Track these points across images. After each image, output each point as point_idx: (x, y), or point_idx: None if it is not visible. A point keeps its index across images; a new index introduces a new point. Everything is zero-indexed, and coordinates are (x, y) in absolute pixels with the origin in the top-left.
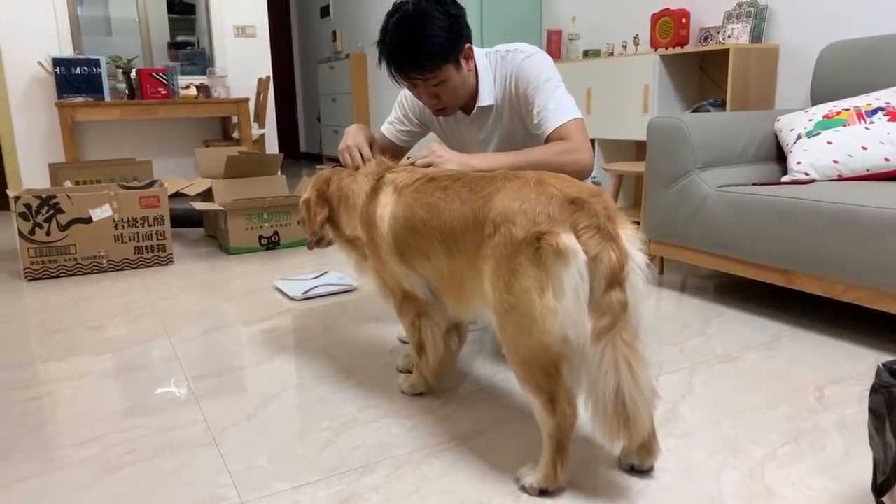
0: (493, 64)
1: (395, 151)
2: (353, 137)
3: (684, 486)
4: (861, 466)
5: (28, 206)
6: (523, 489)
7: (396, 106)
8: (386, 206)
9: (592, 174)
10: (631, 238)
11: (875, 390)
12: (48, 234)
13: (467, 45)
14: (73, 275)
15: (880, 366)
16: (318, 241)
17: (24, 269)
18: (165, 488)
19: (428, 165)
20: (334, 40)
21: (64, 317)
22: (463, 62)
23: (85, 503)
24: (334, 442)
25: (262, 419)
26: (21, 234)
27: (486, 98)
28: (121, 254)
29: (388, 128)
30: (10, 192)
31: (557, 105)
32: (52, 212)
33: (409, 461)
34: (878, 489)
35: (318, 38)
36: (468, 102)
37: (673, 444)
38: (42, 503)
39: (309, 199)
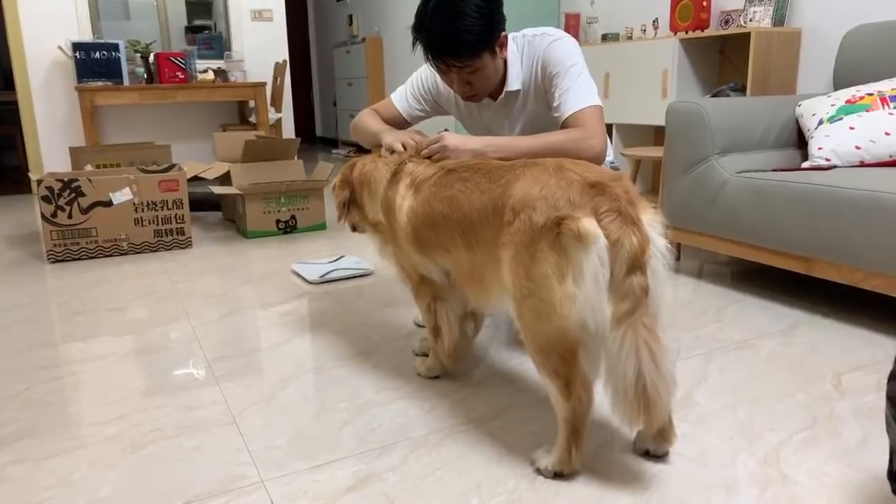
0: (519, 48)
1: (400, 124)
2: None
3: (699, 470)
4: (877, 454)
5: (50, 189)
6: (538, 472)
7: (411, 84)
8: (405, 198)
9: (611, 159)
10: (652, 223)
11: (893, 377)
12: (70, 216)
13: (502, 32)
14: (94, 257)
15: None
16: (347, 221)
17: (47, 251)
18: (188, 466)
19: (442, 158)
20: (350, 24)
21: (86, 298)
22: (498, 50)
23: (112, 479)
24: (352, 423)
25: (280, 400)
26: (43, 216)
27: (513, 83)
28: (141, 237)
29: (402, 102)
30: (33, 176)
31: (578, 91)
32: (73, 195)
33: (425, 443)
34: (895, 476)
35: (335, 21)
36: (495, 88)
37: (688, 429)
38: (71, 478)
39: (335, 185)
